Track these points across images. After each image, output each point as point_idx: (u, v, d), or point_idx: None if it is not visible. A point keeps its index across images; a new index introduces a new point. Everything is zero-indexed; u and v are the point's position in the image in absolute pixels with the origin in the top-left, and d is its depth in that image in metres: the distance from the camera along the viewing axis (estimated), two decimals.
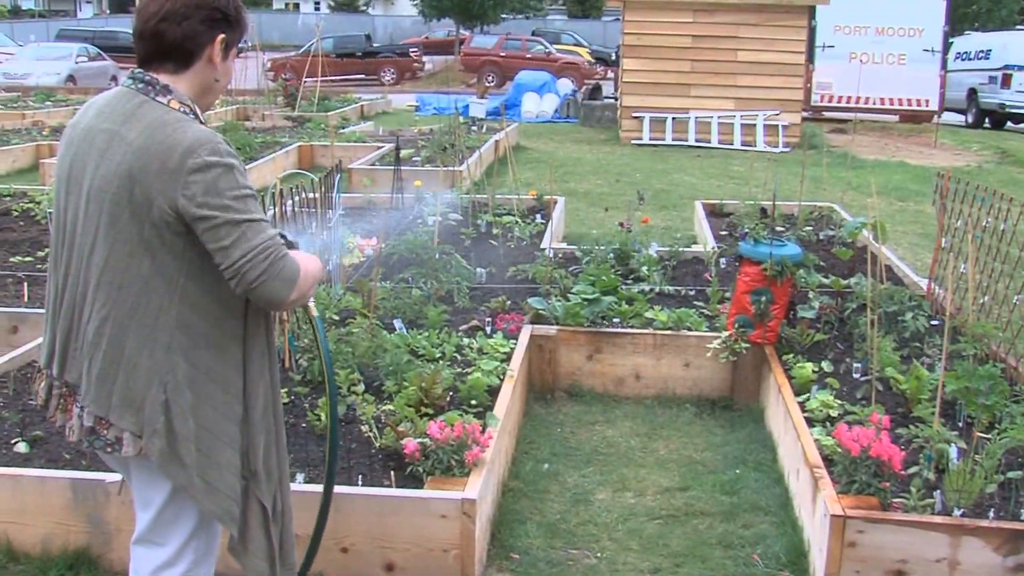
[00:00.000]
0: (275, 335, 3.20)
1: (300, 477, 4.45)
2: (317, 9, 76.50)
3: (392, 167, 10.78)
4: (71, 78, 31.67)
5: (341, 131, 17.35)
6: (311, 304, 3.38)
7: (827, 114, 24.13)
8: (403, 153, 11.65)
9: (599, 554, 4.67)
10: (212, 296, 2.91)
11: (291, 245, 3.15)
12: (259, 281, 2.79)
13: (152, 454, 2.90)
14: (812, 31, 21.71)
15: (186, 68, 2.95)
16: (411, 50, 42.77)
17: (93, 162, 2.87)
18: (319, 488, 4.35)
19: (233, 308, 2.97)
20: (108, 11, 70.08)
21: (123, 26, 50.53)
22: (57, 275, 3.02)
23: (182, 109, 2.90)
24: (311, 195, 6.54)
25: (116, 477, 4.37)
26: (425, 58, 44.02)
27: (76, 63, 32.89)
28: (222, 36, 2.98)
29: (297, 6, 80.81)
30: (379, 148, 15.45)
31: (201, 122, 2.94)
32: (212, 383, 2.95)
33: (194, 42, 2.93)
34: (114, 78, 33.80)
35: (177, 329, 2.88)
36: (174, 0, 2.90)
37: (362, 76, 38.88)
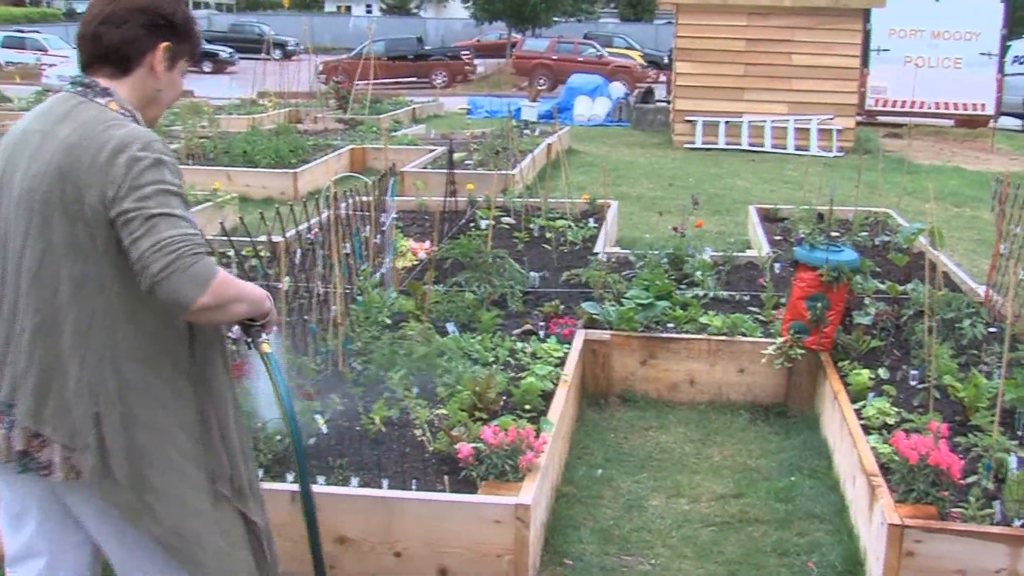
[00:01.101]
0: (220, 348, 2.99)
1: (355, 481, 4.47)
2: (369, 12, 76.97)
3: (444, 170, 10.81)
4: None
5: (393, 134, 17.41)
6: (264, 342, 3.06)
7: (881, 118, 23.90)
8: (455, 156, 11.66)
9: (653, 561, 4.66)
10: (149, 306, 2.71)
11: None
12: (163, 275, 2.56)
13: (84, 471, 2.73)
14: (867, 35, 21.53)
15: (125, 74, 2.84)
16: (463, 53, 42.83)
17: (24, 163, 2.76)
18: (373, 492, 4.38)
19: (172, 322, 2.79)
20: None
21: None
22: None
23: (121, 111, 2.78)
24: (365, 198, 6.57)
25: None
26: (477, 61, 44.05)
27: None
28: (166, 44, 2.86)
29: (349, 9, 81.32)
30: (431, 151, 15.49)
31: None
32: (146, 399, 2.76)
33: (133, 47, 2.82)
34: None
35: (110, 338, 2.72)
36: (116, 4, 2.81)
37: (413, 79, 39.01)
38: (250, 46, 45.59)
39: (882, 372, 5.89)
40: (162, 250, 2.56)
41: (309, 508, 3.37)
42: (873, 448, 4.85)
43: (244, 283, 2.85)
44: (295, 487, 4.36)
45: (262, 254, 5.61)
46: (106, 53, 2.82)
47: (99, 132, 2.68)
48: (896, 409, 5.35)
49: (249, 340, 3.02)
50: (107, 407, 2.72)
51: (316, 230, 5.81)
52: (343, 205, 6.14)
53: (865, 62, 22.32)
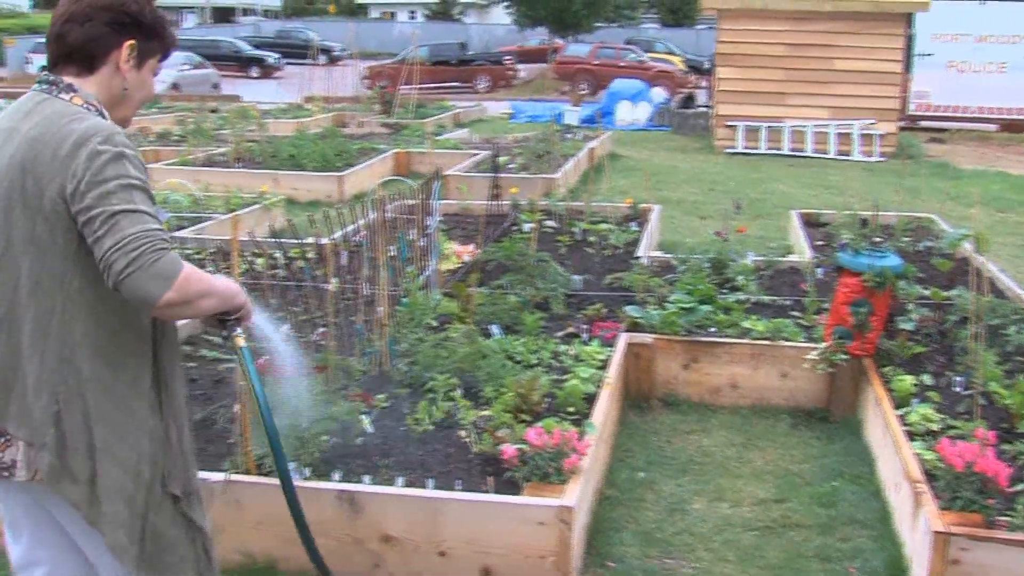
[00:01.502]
0: (178, 352, 2.99)
1: (400, 481, 4.51)
2: (413, 17, 77.22)
3: (487, 174, 10.85)
4: (175, 85, 32.38)
5: (437, 138, 17.49)
6: (239, 336, 3.02)
7: (924, 123, 23.72)
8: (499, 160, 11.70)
9: (695, 564, 4.67)
10: (109, 302, 2.69)
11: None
12: (126, 272, 2.51)
13: (42, 469, 2.70)
14: (910, 39, 21.38)
15: (90, 72, 2.79)
16: (505, 58, 42.94)
17: None
18: (418, 492, 4.42)
19: (135, 318, 2.75)
20: (211, 20, 71.37)
21: (225, 35, 51.54)
22: None
23: (85, 106, 2.75)
24: (410, 201, 6.63)
25: (220, 476, 4.48)
26: (519, 66, 44.13)
27: (180, 71, 33.69)
28: (131, 42, 2.80)
29: (393, 15, 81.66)
30: (474, 155, 15.56)
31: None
32: (105, 399, 2.71)
33: (96, 45, 2.77)
34: (215, 85, 34.52)
35: (69, 335, 2.68)
36: (80, 2, 2.77)
37: (456, 84, 39.16)
38: (296, 51, 45.97)
39: (926, 378, 5.87)
40: (124, 248, 2.52)
41: (293, 502, 3.29)
42: (917, 454, 4.83)
43: (213, 278, 2.79)
44: (341, 486, 4.43)
45: (309, 256, 5.67)
46: (70, 51, 2.79)
47: (61, 126, 2.64)
48: (940, 415, 5.34)
49: (225, 334, 2.98)
50: (67, 404, 2.69)
51: (362, 232, 5.86)
52: (389, 208, 6.20)
53: (908, 67, 22.16)
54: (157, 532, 2.82)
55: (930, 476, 4.60)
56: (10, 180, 2.67)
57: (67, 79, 2.78)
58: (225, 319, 2.93)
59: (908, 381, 5.70)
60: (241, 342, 3.03)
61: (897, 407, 5.48)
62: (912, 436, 5.12)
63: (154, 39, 2.87)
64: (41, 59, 42.31)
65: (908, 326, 6.37)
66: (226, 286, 2.84)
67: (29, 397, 2.70)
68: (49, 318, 2.67)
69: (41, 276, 2.66)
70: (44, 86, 2.79)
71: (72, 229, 2.61)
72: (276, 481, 4.39)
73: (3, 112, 2.86)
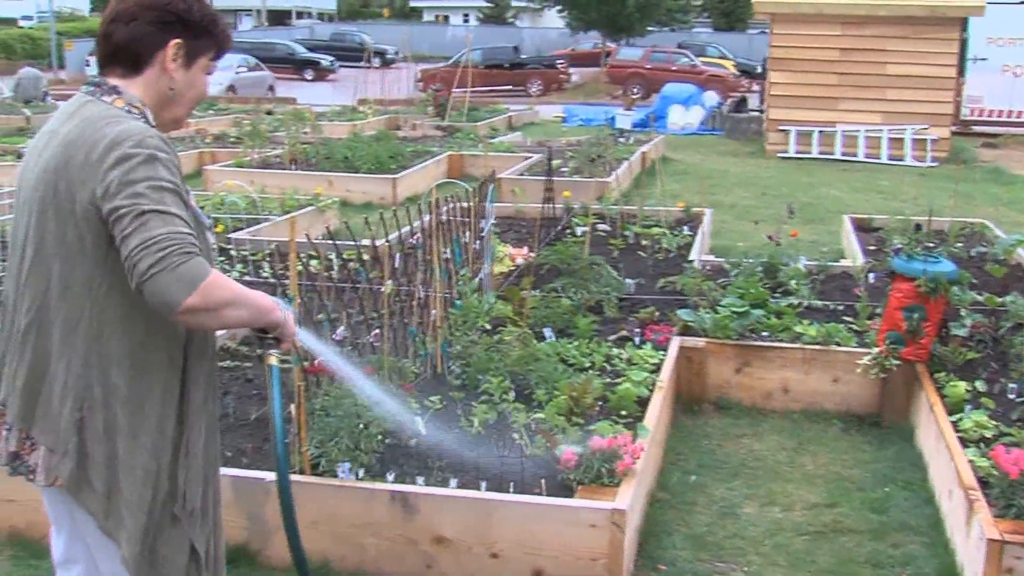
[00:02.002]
0: (216, 365, 2.95)
1: (454, 483, 4.56)
2: (466, 21, 77.34)
3: (541, 177, 10.90)
4: (231, 87, 32.72)
5: (490, 141, 17.57)
6: (272, 355, 2.99)
7: (977, 128, 23.47)
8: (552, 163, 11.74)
9: (746, 568, 4.68)
10: (138, 311, 2.63)
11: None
12: (150, 273, 2.45)
13: (62, 476, 2.67)
14: (963, 43, 21.18)
15: (135, 73, 2.75)
16: (558, 62, 43.00)
17: (32, 163, 2.73)
18: (472, 493, 4.47)
19: (165, 325, 2.68)
20: (267, 23, 71.96)
21: (280, 38, 51.91)
22: (6, 283, 2.85)
23: (126, 108, 2.70)
24: (464, 204, 6.68)
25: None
26: (571, 70, 44.17)
27: (236, 73, 34.04)
28: (177, 41, 2.74)
29: (447, 18, 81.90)
30: (527, 158, 15.61)
31: (152, 126, 2.73)
32: (131, 407, 2.67)
33: (141, 44, 2.72)
34: (271, 87, 34.84)
35: (96, 342, 2.64)
36: (127, 3, 2.73)
37: (509, 87, 39.21)
38: (351, 54, 46.35)
39: (979, 385, 5.85)
40: (150, 248, 2.46)
41: (291, 527, 3.18)
42: (971, 461, 4.81)
43: (247, 290, 2.72)
44: (395, 487, 4.48)
45: (364, 258, 5.74)
46: (116, 51, 2.75)
47: (96, 129, 2.60)
48: (994, 422, 5.31)
49: (260, 351, 2.97)
50: (91, 412, 2.65)
51: (417, 235, 5.92)
52: (444, 210, 6.25)
53: (961, 71, 21.95)
54: (156, 550, 2.75)
55: (984, 483, 4.58)
56: (44, 183, 2.64)
57: (112, 81, 2.75)
58: (263, 336, 2.89)
59: (961, 387, 5.67)
60: (272, 361, 3.01)
61: (950, 413, 5.46)
62: (965, 443, 5.10)
63: (203, 37, 2.81)
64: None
65: (961, 332, 6.34)
66: (261, 301, 2.75)
67: (55, 402, 2.67)
68: (77, 323, 2.64)
69: (70, 280, 2.63)
70: (90, 88, 2.76)
71: (103, 234, 2.57)
72: (332, 481, 4.49)
73: (54, 114, 2.84)
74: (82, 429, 2.65)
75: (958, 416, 5.41)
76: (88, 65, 43.91)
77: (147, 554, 2.72)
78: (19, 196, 2.78)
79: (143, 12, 2.71)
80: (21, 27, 60.42)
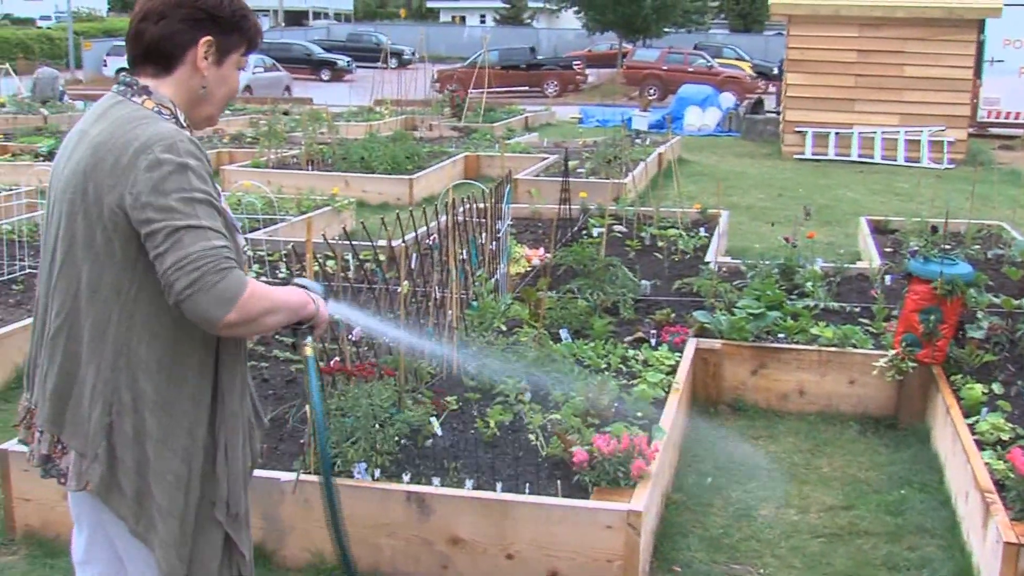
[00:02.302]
0: (247, 368, 2.92)
1: (469, 484, 4.56)
2: (483, 22, 77.48)
3: (557, 178, 10.90)
4: (248, 88, 32.83)
5: (507, 142, 17.59)
6: (307, 345, 2.98)
7: (994, 130, 23.40)
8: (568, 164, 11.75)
9: (761, 570, 4.68)
10: (168, 313, 2.59)
11: (307, 288, 2.96)
12: (186, 293, 2.45)
13: (92, 481, 2.64)
14: (980, 45, 21.12)
15: (167, 72, 2.71)
16: (574, 63, 43.02)
17: (62, 164, 2.70)
18: (488, 494, 4.47)
19: (193, 332, 2.64)
20: (283, 24, 72.14)
21: (297, 38, 52.00)
22: (39, 285, 2.83)
23: (156, 109, 2.67)
24: (481, 205, 6.69)
25: (290, 476, 4.56)
26: (588, 71, 44.19)
27: (253, 73, 34.15)
28: (207, 38, 2.70)
29: (463, 19, 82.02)
30: (543, 159, 15.63)
31: (183, 127, 2.71)
32: (161, 412, 2.63)
33: (172, 43, 2.68)
34: (288, 88, 34.92)
35: (126, 346, 2.60)
36: (156, 1, 2.69)
37: (526, 88, 39.26)
38: (367, 55, 46.50)
39: (996, 387, 5.83)
40: (185, 268, 2.45)
41: (335, 521, 3.22)
42: (987, 464, 4.80)
43: (279, 292, 2.74)
44: (411, 487, 4.49)
45: (381, 258, 5.75)
46: (146, 51, 2.70)
47: (125, 131, 2.56)
48: (1011, 425, 5.29)
49: (294, 342, 2.97)
50: (120, 417, 2.62)
51: (434, 235, 5.93)
52: (460, 211, 6.26)
53: (978, 73, 21.88)
54: (197, 555, 2.73)
55: (1000, 486, 4.57)
56: (74, 186, 2.61)
57: (143, 81, 2.71)
58: (297, 327, 2.90)
59: (978, 389, 5.66)
60: (308, 352, 2.99)
61: (966, 416, 5.45)
62: (982, 445, 5.09)
63: (234, 33, 2.76)
64: (118, 62, 43.32)
65: (978, 334, 6.33)
66: (294, 299, 2.78)
67: (84, 407, 2.64)
68: (105, 327, 2.61)
69: (98, 284, 2.60)
70: (121, 87, 2.72)
71: (132, 239, 2.54)
72: (348, 481, 4.50)
73: (85, 114, 2.81)
74: (111, 434, 2.63)
75: (975, 418, 5.40)
76: (105, 65, 44.21)
77: (183, 559, 2.69)
78: (49, 197, 2.76)
79: (173, 10, 2.67)
80: (39, 27, 60.75)
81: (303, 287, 2.95)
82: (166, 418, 2.64)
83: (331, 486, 3.16)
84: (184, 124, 2.73)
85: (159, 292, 2.55)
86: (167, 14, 2.66)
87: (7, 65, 29.71)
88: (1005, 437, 5.17)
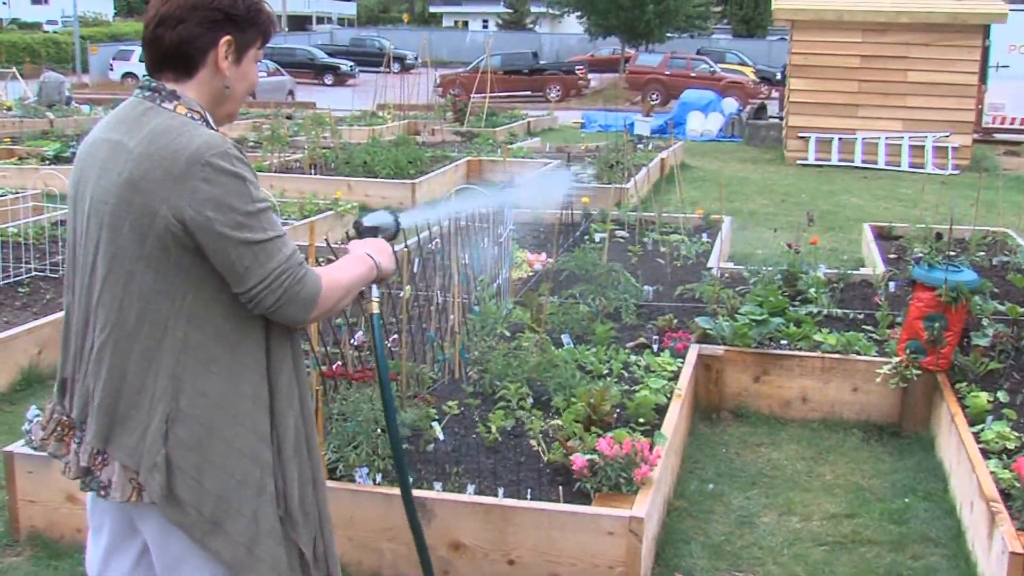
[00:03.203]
0: (303, 363, 2.91)
1: (471, 489, 4.54)
2: (485, 27, 77.61)
3: None
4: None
5: (509, 147, 17.59)
6: (374, 301, 3.16)
7: (999, 136, 23.39)
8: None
9: None
10: (224, 317, 2.62)
11: (373, 229, 3.14)
12: (275, 307, 2.58)
13: (152, 491, 2.60)
14: (985, 51, 21.11)
15: (189, 75, 2.69)
16: (577, 67, 43.03)
17: (95, 174, 2.64)
18: (489, 500, 4.45)
19: (250, 331, 2.67)
20: (287, 28, 72.24)
21: (300, 43, 52.06)
22: (68, 298, 2.79)
23: (189, 114, 2.65)
24: (483, 210, 6.67)
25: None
26: (590, 75, 44.19)
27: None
28: (227, 38, 2.68)
29: (466, 24, 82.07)
30: (546, 164, 15.61)
31: (213, 129, 2.69)
32: (223, 414, 2.63)
33: (192, 47, 2.66)
34: (291, 92, 34.95)
35: (183, 352, 2.60)
36: (170, 3, 2.65)
37: (528, 92, 39.28)
38: (370, 60, 46.63)
39: (1001, 395, 5.81)
40: (271, 286, 2.55)
41: (405, 485, 3.35)
42: (993, 473, 4.78)
43: (345, 273, 2.83)
44: (413, 492, 4.47)
45: None
46: (166, 56, 2.68)
47: (170, 140, 2.55)
48: (1016, 434, 5.27)
49: (361, 297, 3.01)
50: (177, 425, 2.60)
51: (436, 240, 5.92)
52: (463, 216, 6.25)
53: (983, 78, 21.87)
54: (279, 551, 2.72)
55: (1006, 495, 4.55)
56: (117, 198, 2.57)
57: (169, 85, 2.68)
58: None
59: (983, 398, 5.64)
60: (374, 308, 3.08)
61: (971, 424, 5.43)
62: (987, 454, 5.06)
63: (250, 28, 2.75)
64: (123, 66, 43.46)
65: (983, 342, 6.31)
66: (360, 272, 2.89)
67: (138, 418, 2.62)
68: (161, 336, 2.59)
69: (151, 295, 2.58)
70: (147, 92, 2.69)
71: (186, 248, 2.54)
72: (350, 486, 4.49)
73: (104, 121, 2.76)
74: (168, 441, 2.60)
75: (979, 427, 5.38)
76: (111, 69, 44.31)
77: (251, 558, 2.68)
78: (80, 208, 2.71)
79: (190, 13, 2.64)
80: (46, 31, 60.90)
81: (372, 228, 3.10)
82: (228, 419, 2.64)
83: (402, 460, 3.32)
84: (212, 126, 2.72)
85: (214, 296, 2.60)
86: (185, 18, 2.64)
87: (14, 69, 29.77)
88: (1011, 446, 5.15)
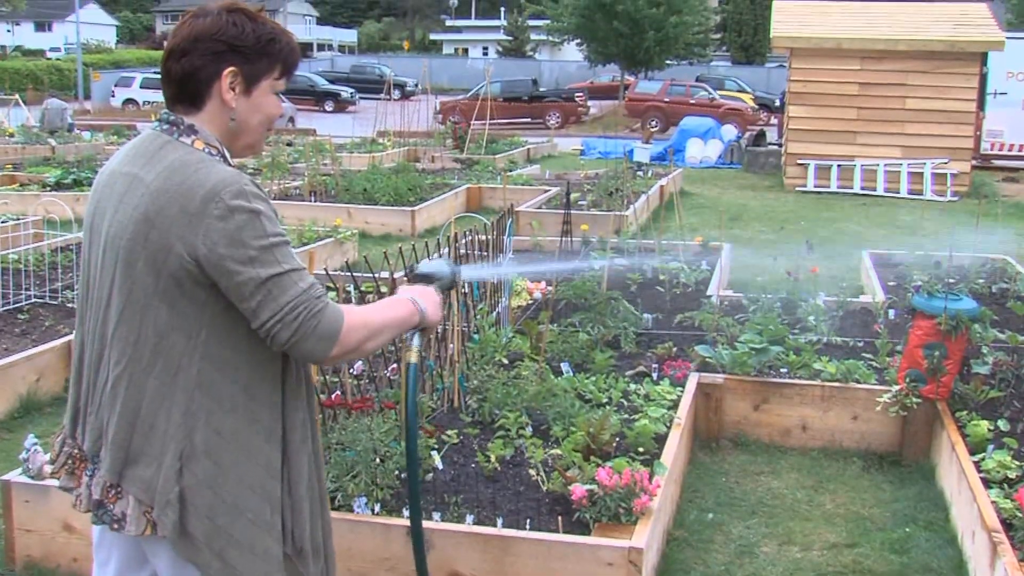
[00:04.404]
0: (316, 399, 2.91)
1: (470, 519, 4.52)
2: (485, 54, 77.91)
3: (559, 210, 10.90)
4: None
5: (508, 174, 17.63)
6: (413, 350, 3.06)
7: (997, 163, 23.43)
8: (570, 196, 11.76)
9: None
10: (239, 354, 2.62)
11: (426, 277, 3.06)
12: (291, 342, 2.53)
13: (165, 528, 2.58)
14: (983, 78, 21.19)
15: (198, 108, 2.68)
16: (576, 94, 43.12)
17: (112, 208, 2.64)
18: (488, 530, 4.44)
19: (265, 368, 2.67)
20: None
21: (302, 70, 52.16)
22: (81, 331, 2.78)
23: (207, 150, 2.64)
24: (483, 237, 6.68)
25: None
26: (590, 102, 44.32)
27: None
28: (231, 69, 2.64)
29: (466, 51, 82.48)
30: (545, 191, 15.64)
31: (230, 164, 2.68)
32: (237, 452, 2.62)
33: (196, 78, 2.64)
34: (292, 119, 35.04)
35: (198, 389, 2.58)
36: (178, 36, 2.66)
37: (528, 119, 39.37)
38: (371, 86, 46.80)
39: (1002, 423, 5.80)
40: (284, 319, 2.51)
41: (419, 545, 3.28)
42: (994, 502, 4.76)
43: (377, 315, 2.77)
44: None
45: (383, 289, 5.73)
46: (175, 88, 2.68)
47: (186, 176, 2.54)
48: (1018, 463, 5.25)
49: (403, 341, 2.95)
50: (192, 462, 2.59)
51: None
52: (462, 243, 6.25)
53: (981, 105, 21.93)
54: None
55: (1008, 525, 4.53)
56: (133, 233, 2.56)
57: (188, 119, 2.67)
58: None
59: (984, 426, 5.62)
60: (412, 357, 3.00)
61: (972, 453, 5.41)
62: (988, 483, 5.04)
63: (261, 59, 2.69)
64: (125, 92, 43.63)
65: (983, 370, 6.29)
66: (396, 316, 2.83)
67: (152, 453, 2.60)
68: (176, 372, 2.58)
69: (166, 330, 2.57)
70: (165, 126, 2.68)
71: (201, 285, 2.54)
72: (349, 515, 4.47)
73: (122, 152, 2.75)
74: (182, 478, 2.59)
75: (980, 456, 5.36)
76: (113, 96, 44.50)
77: None
78: (95, 242, 2.70)
79: (193, 45, 2.63)
80: (49, 58, 61.17)
81: (425, 276, 3.03)
82: (242, 457, 2.63)
83: (417, 507, 3.22)
84: (229, 160, 2.70)
85: (230, 333, 2.59)
86: (188, 50, 2.63)
87: (16, 96, 29.85)
88: (1012, 475, 5.12)
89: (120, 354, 2.61)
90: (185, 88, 2.67)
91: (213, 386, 2.59)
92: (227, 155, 2.70)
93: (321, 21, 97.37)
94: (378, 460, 4.68)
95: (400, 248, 5.94)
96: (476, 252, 6.58)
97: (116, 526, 2.64)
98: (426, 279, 3.09)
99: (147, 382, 2.59)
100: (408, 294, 2.93)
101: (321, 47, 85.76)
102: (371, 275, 5.73)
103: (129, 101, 43.33)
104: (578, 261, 5.21)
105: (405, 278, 3.08)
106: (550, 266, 4.51)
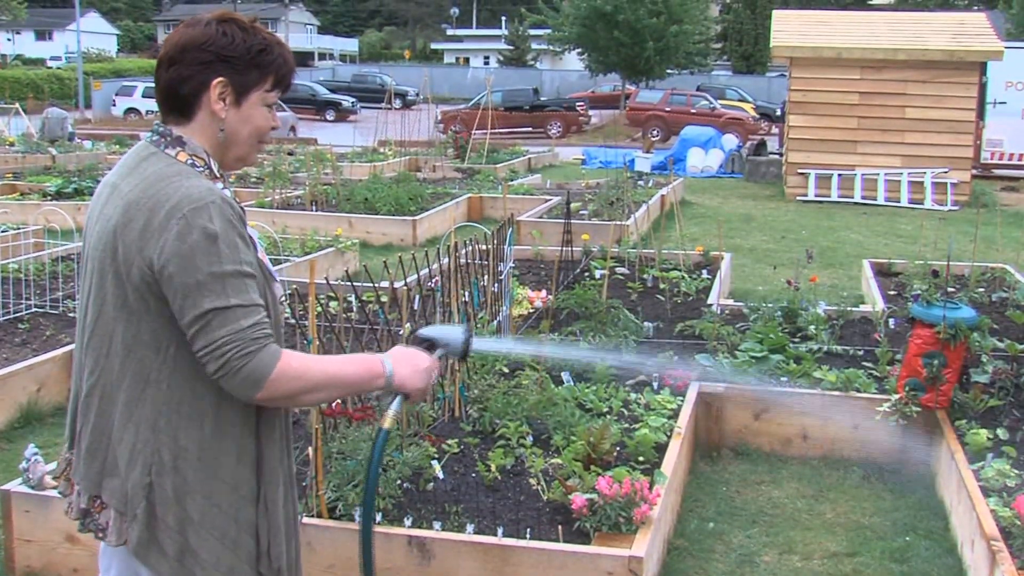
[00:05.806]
0: (290, 419, 2.84)
1: (470, 528, 4.53)
2: (487, 63, 77.98)
3: (560, 220, 10.91)
4: None
5: (509, 183, 17.65)
6: (388, 415, 2.86)
7: (997, 172, 23.47)
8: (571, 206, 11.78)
9: None
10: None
11: (426, 341, 2.89)
12: (218, 375, 2.45)
13: (130, 541, 2.56)
14: (983, 87, 21.23)
15: (188, 119, 2.63)
16: (577, 104, 43.14)
17: (95, 218, 2.62)
18: (488, 539, 4.44)
19: None
20: None
21: (303, 79, 52.31)
22: (76, 344, 2.75)
23: (190, 161, 2.59)
24: (483, 247, 6.69)
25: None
26: (591, 112, 44.35)
27: None
28: (219, 80, 2.59)
29: (467, 60, 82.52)
30: (546, 201, 15.67)
31: (217, 176, 2.64)
32: (205, 469, 2.56)
33: (184, 88, 2.60)
34: (293, 128, 35.10)
35: (166, 405, 2.53)
36: (168, 45, 2.62)
37: (529, 129, 39.38)
38: (372, 96, 46.78)
39: (1001, 432, 5.80)
40: (213, 353, 2.42)
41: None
42: (993, 511, 4.77)
43: (320, 370, 2.60)
44: (412, 532, 4.46)
45: (383, 299, 5.75)
46: (165, 99, 2.64)
47: (158, 190, 2.49)
48: (1016, 471, 5.26)
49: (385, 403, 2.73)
50: (160, 477, 2.54)
51: (436, 277, 5.93)
52: (463, 253, 6.26)
53: (981, 115, 21.97)
54: None
55: (1007, 534, 4.54)
56: (104, 244, 2.54)
57: (176, 131, 2.63)
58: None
59: (983, 435, 5.63)
60: (385, 423, 2.84)
61: (971, 461, 5.42)
62: (987, 492, 5.05)
63: (251, 70, 2.63)
64: (126, 102, 43.70)
65: (983, 379, 6.30)
66: (347, 375, 2.66)
67: (121, 467, 2.57)
68: (144, 386, 2.54)
69: (134, 343, 2.53)
70: (155, 137, 2.64)
71: (165, 299, 2.48)
72: (350, 525, 4.48)
73: (118, 162, 2.70)
74: (151, 493, 2.54)
75: (980, 464, 5.37)
76: (114, 105, 44.54)
77: None
78: (84, 251, 2.69)
79: (182, 55, 2.59)
80: (49, 67, 61.25)
81: (427, 340, 2.89)
82: (210, 474, 2.57)
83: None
84: (217, 172, 2.65)
85: None
86: (177, 60, 2.59)
87: (17, 105, 29.88)
88: (1011, 483, 5.14)
89: (93, 365, 2.60)
90: (174, 98, 2.63)
91: (183, 402, 2.54)
92: (214, 167, 2.65)
93: (322, 30, 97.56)
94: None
95: (400, 257, 5.95)
96: (477, 261, 6.58)
97: (101, 535, 2.64)
98: (428, 345, 2.90)
99: (117, 395, 2.57)
100: (385, 355, 2.77)
101: (322, 56, 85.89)
102: (372, 284, 5.75)
103: (132, 110, 43.37)
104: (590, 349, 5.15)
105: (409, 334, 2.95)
106: (561, 351, 4.44)
